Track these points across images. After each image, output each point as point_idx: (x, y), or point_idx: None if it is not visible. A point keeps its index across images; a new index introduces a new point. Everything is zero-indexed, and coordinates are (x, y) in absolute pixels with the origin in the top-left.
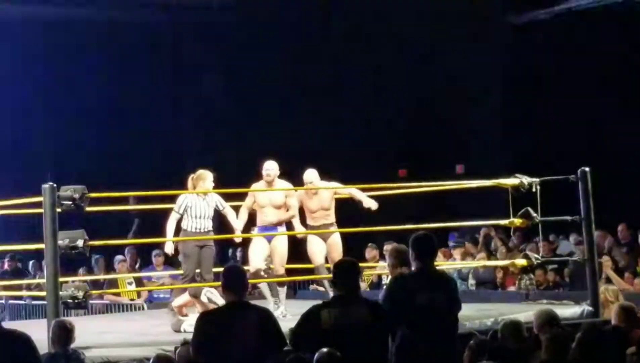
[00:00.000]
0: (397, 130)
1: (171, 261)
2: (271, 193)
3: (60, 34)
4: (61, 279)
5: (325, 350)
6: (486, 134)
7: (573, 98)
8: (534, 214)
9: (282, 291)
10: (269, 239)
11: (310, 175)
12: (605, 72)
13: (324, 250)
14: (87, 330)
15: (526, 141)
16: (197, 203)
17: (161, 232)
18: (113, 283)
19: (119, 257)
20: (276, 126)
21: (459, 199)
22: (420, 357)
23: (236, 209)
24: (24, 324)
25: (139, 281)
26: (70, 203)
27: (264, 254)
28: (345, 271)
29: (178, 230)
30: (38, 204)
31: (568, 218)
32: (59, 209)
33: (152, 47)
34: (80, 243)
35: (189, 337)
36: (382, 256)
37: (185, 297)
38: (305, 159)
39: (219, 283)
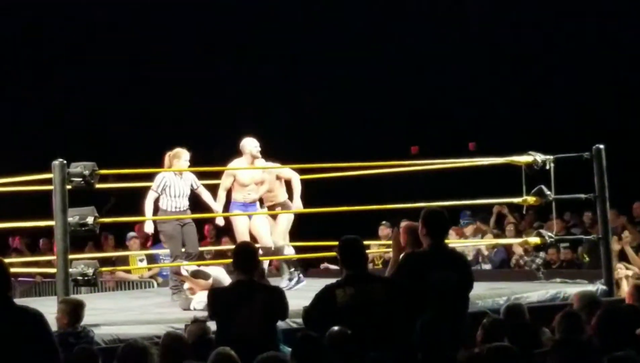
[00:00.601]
0: (409, 106)
1: None
2: (254, 170)
3: None
4: (71, 256)
5: (336, 328)
6: (499, 111)
7: (590, 74)
8: (548, 192)
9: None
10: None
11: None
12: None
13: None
14: (96, 308)
15: (540, 117)
16: (175, 181)
17: (138, 211)
18: (124, 260)
19: (131, 234)
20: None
21: (471, 176)
22: (431, 335)
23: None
24: (34, 301)
25: (150, 258)
26: (80, 179)
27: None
28: (352, 250)
29: (155, 210)
30: (48, 181)
31: (582, 196)
32: (68, 186)
33: None
34: (90, 220)
35: (199, 314)
36: None
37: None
38: (314, 136)
39: (218, 261)
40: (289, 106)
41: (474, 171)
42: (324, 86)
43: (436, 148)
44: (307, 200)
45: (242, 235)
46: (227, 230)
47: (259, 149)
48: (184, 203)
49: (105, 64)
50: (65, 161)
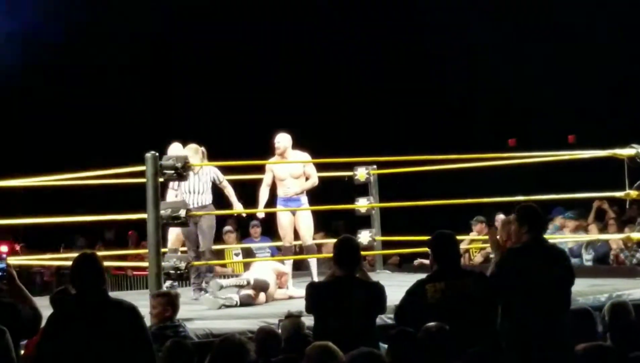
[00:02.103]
0: (507, 98)
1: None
2: (288, 164)
3: None
4: (163, 250)
5: (433, 324)
6: (599, 102)
7: None
8: None
9: (313, 263)
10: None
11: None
12: None
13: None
14: (187, 302)
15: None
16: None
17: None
18: (219, 254)
19: (227, 228)
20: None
21: (568, 170)
22: (530, 332)
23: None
24: (126, 295)
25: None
26: (172, 172)
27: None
28: (444, 244)
29: None
30: (141, 174)
31: None
32: (161, 179)
33: None
34: (182, 213)
35: (293, 309)
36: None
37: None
38: (414, 129)
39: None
40: (386, 98)
41: (570, 164)
42: (420, 77)
43: (534, 140)
44: (401, 194)
45: (285, 230)
46: None
47: (277, 145)
48: (198, 200)
49: None
50: (157, 153)
